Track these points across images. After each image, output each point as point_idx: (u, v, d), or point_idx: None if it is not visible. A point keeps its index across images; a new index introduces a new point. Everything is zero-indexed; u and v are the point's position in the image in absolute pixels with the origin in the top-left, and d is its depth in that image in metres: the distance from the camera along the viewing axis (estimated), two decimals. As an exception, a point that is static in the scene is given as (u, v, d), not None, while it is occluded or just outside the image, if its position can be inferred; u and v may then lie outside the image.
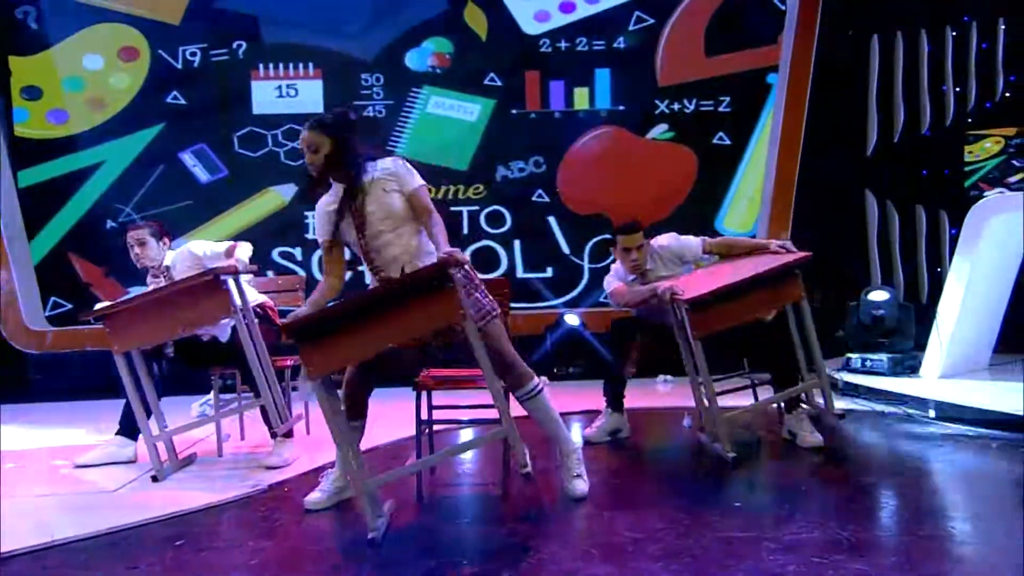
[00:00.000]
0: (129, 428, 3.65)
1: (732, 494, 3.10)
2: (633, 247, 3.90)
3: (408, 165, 2.93)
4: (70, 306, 6.26)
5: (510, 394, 3.00)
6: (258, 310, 3.80)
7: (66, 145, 6.29)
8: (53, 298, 6.28)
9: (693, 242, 4.02)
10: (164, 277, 3.82)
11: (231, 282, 3.33)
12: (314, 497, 2.98)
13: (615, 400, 4.09)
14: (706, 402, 3.49)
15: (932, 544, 2.50)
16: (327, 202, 2.96)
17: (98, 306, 3.52)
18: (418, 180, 2.90)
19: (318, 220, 2.99)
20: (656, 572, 2.30)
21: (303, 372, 2.62)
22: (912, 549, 2.46)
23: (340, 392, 2.93)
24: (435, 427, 3.36)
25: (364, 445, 3.84)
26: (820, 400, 3.78)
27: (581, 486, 3.02)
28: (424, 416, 3.24)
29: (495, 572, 2.30)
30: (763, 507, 2.91)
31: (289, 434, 3.70)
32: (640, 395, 5.36)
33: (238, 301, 3.34)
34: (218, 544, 2.59)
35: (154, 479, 3.30)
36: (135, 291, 6.23)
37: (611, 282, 4.06)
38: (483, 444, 3.13)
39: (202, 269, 3.63)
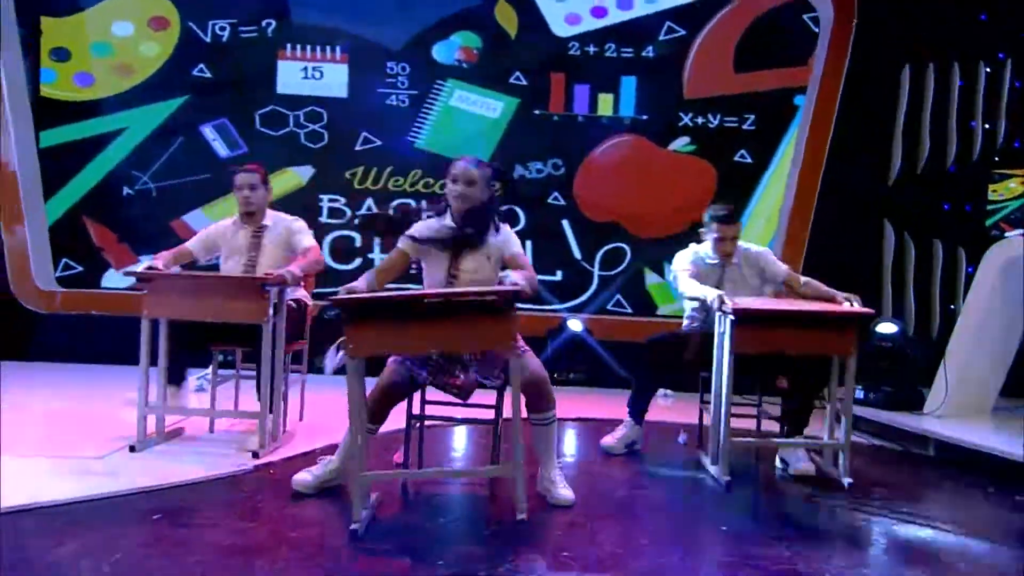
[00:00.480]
0: (176, 376, 3.62)
1: (721, 517, 3.04)
2: (728, 237, 3.87)
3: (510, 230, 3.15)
4: (80, 269, 6.27)
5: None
6: (292, 304, 3.79)
7: (90, 109, 6.29)
8: (65, 259, 6.28)
9: (779, 266, 3.99)
10: (252, 233, 3.88)
11: (274, 291, 3.35)
12: (303, 478, 2.96)
13: (639, 413, 4.03)
14: (720, 425, 3.42)
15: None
16: (435, 228, 3.06)
17: (140, 267, 3.50)
18: (517, 247, 3.09)
19: (417, 230, 3.08)
20: (633, 591, 2.26)
21: (340, 347, 2.58)
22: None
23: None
24: (427, 423, 3.31)
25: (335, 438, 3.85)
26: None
27: (568, 493, 2.99)
28: (417, 411, 3.20)
29: (470, 575, 2.26)
30: (750, 533, 2.85)
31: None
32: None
33: (271, 312, 3.36)
34: (196, 521, 2.56)
35: (131, 449, 3.27)
36: (145, 259, 6.23)
37: (682, 263, 3.98)
38: (490, 475, 3.06)
39: (286, 246, 3.81)
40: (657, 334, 4.11)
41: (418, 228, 3.10)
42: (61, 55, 6.32)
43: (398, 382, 2.87)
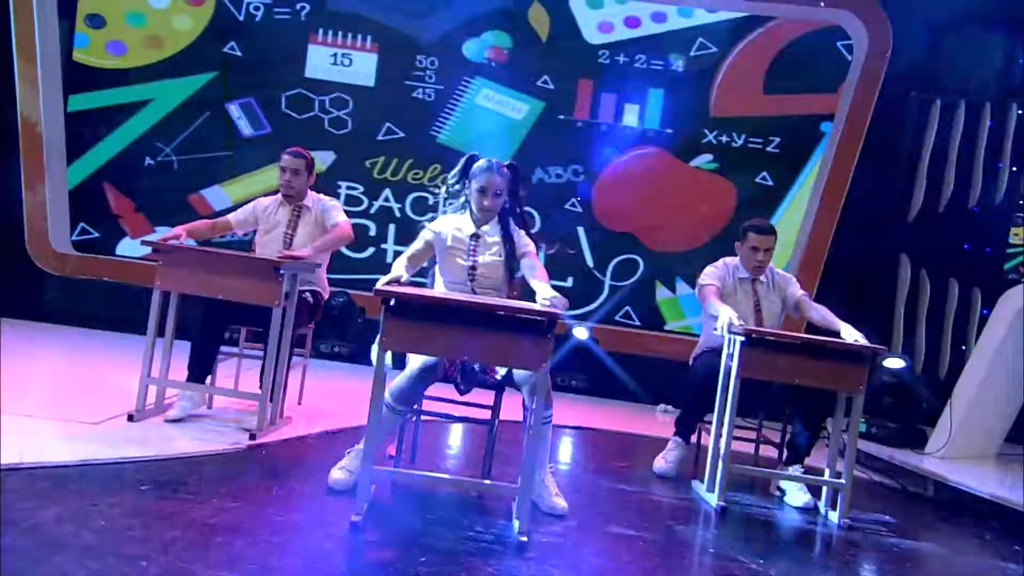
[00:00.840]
0: (198, 372, 3.58)
1: (709, 541, 3.00)
2: (762, 248, 3.81)
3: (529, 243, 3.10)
4: (97, 235, 6.30)
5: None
6: (307, 296, 3.78)
7: (120, 77, 6.33)
8: (82, 224, 6.31)
9: (797, 290, 3.94)
10: (292, 210, 3.88)
11: (288, 276, 3.33)
12: (340, 477, 2.85)
13: (687, 433, 3.95)
14: (721, 451, 3.36)
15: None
16: (455, 223, 3.07)
17: (161, 237, 3.48)
18: (530, 244, 3.08)
19: (439, 224, 3.09)
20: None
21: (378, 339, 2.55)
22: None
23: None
24: (423, 417, 3.28)
25: (351, 422, 3.84)
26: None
27: (561, 502, 2.95)
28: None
29: (450, 575, 2.23)
30: (737, 560, 2.80)
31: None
32: (637, 422, 5.28)
33: (283, 297, 3.33)
34: (181, 495, 2.54)
35: (130, 418, 3.26)
36: (162, 230, 6.25)
37: (709, 279, 3.87)
38: (496, 490, 2.98)
39: (321, 224, 3.84)
40: (700, 353, 3.95)
41: (442, 224, 3.07)
42: (96, 21, 6.35)
43: (433, 365, 2.83)
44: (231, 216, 3.97)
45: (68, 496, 2.39)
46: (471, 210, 3.07)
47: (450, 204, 3.18)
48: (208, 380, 3.63)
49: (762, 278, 3.89)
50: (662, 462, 3.89)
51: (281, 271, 3.25)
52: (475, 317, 2.56)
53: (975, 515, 3.84)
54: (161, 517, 2.33)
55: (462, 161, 3.12)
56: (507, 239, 3.05)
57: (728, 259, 3.97)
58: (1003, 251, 5.16)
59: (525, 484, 2.58)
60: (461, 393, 3.01)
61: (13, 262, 6.01)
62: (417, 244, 3.06)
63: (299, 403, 4.11)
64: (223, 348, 3.77)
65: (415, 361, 2.82)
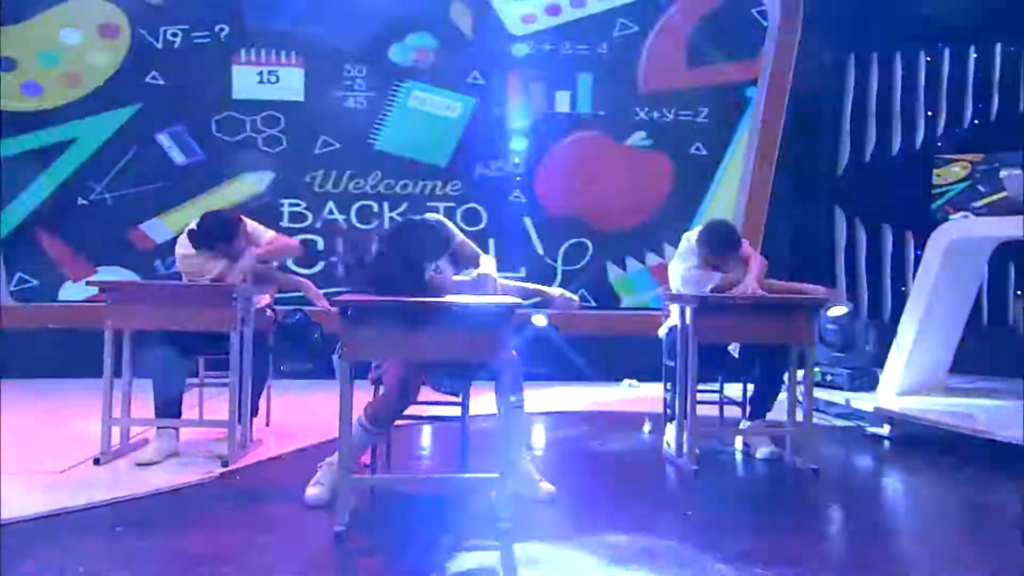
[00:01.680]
0: (168, 411, 3.49)
1: (686, 503, 3.07)
2: (728, 269, 3.71)
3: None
4: (36, 282, 6.11)
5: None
6: (267, 311, 3.72)
7: (39, 119, 6.13)
8: (18, 273, 6.12)
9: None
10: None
11: (240, 300, 3.25)
12: (315, 493, 2.83)
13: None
14: (688, 414, 3.44)
15: (875, 559, 2.48)
16: None
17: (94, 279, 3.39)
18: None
19: None
20: (598, 577, 2.27)
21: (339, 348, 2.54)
22: (855, 562, 2.44)
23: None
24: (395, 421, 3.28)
25: (321, 438, 3.82)
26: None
27: (548, 487, 2.98)
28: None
29: (439, 571, 2.25)
30: (715, 518, 2.88)
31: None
32: (604, 400, 5.35)
33: (240, 322, 3.27)
34: (160, 531, 2.51)
35: (96, 462, 3.20)
36: (104, 270, 6.12)
37: (685, 265, 3.77)
38: (475, 484, 2.98)
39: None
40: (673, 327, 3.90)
41: None
42: (7, 65, 6.15)
43: (407, 391, 2.81)
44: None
45: (44, 547, 2.34)
46: None
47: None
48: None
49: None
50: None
51: (235, 295, 3.21)
52: (432, 316, 2.57)
53: (932, 446, 3.99)
54: (140, 555, 2.30)
55: None
56: None
57: (689, 234, 3.89)
58: (929, 193, 5.34)
59: (504, 472, 2.60)
60: (454, 394, 3.01)
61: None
62: None
63: (267, 424, 4.07)
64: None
65: (392, 387, 2.82)
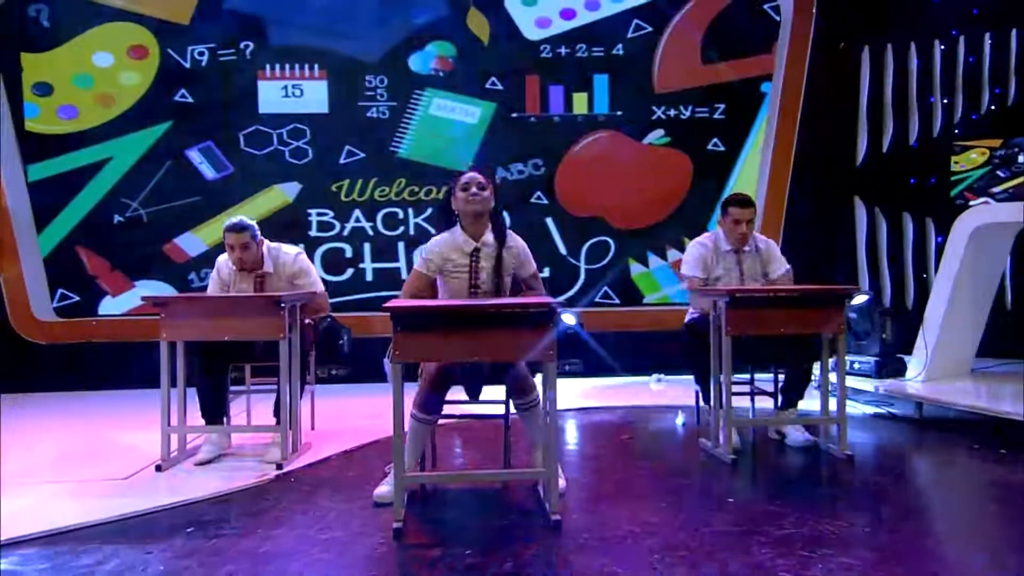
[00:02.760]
0: (213, 415, 3.65)
1: (726, 491, 3.14)
2: (744, 220, 3.85)
3: (528, 252, 3.18)
4: (77, 298, 6.27)
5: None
6: (308, 322, 3.84)
7: (75, 140, 6.29)
8: (61, 290, 6.28)
9: (780, 263, 3.98)
10: (255, 281, 3.79)
11: (288, 309, 3.36)
12: (383, 490, 2.93)
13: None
14: (723, 406, 3.51)
15: (913, 540, 2.54)
16: (450, 249, 3.07)
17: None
18: (533, 266, 3.18)
19: (431, 254, 3.09)
20: (652, 564, 2.34)
21: (389, 351, 2.63)
22: (894, 545, 2.50)
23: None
24: (440, 420, 3.37)
25: (367, 439, 3.92)
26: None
27: (560, 483, 3.05)
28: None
29: (498, 563, 2.34)
30: (755, 504, 2.95)
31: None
32: (634, 395, 5.42)
33: (288, 329, 3.37)
34: (226, 531, 2.61)
35: (158, 468, 3.31)
36: (142, 284, 6.26)
37: (691, 269, 3.93)
38: (522, 479, 3.12)
39: (289, 287, 3.74)
40: (697, 317, 3.97)
41: (434, 246, 3.11)
42: (44, 89, 6.31)
43: (445, 371, 2.91)
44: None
45: (120, 549, 2.45)
46: (462, 226, 3.09)
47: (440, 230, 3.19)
48: (224, 421, 3.69)
49: (746, 248, 3.94)
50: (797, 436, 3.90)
51: (283, 304, 3.31)
52: (478, 319, 2.65)
53: (961, 429, 4.04)
54: (212, 554, 2.40)
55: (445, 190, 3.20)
56: (499, 239, 3.08)
57: (707, 234, 4.05)
58: (947, 180, 5.34)
59: (548, 467, 2.69)
60: (474, 399, 3.11)
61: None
62: (415, 283, 3.10)
63: (312, 428, 4.18)
64: (232, 387, 3.83)
65: (429, 370, 2.92)
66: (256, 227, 3.79)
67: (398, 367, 2.60)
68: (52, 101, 6.31)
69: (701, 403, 3.96)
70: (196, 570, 2.27)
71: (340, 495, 3.03)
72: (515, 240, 3.14)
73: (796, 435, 3.79)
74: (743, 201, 3.92)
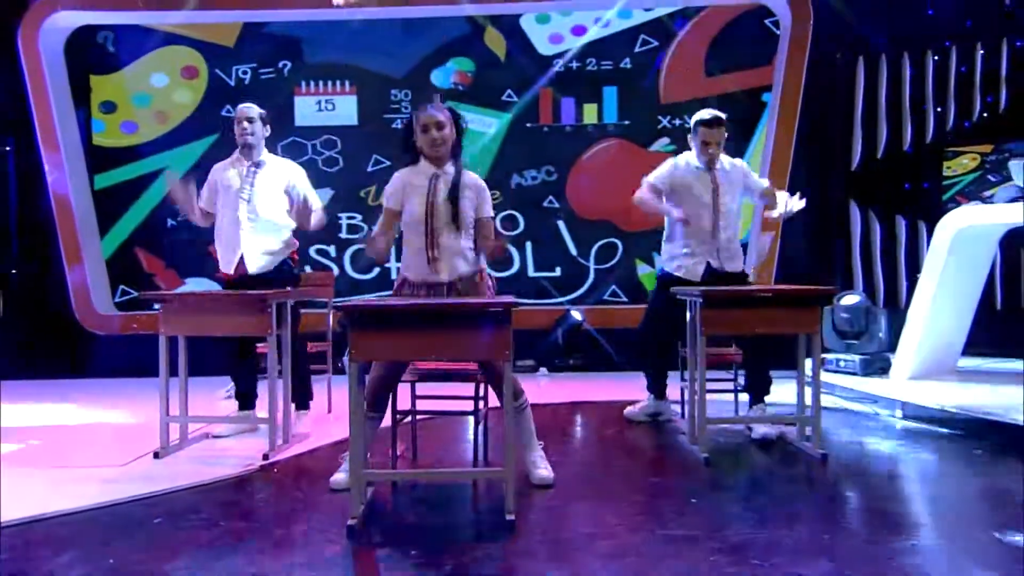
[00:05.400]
0: (244, 399, 3.61)
1: (693, 492, 2.82)
2: (713, 142, 3.56)
3: (487, 195, 2.85)
4: (135, 294, 6.22)
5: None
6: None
7: (135, 153, 6.25)
8: (121, 287, 6.25)
9: (757, 181, 3.72)
10: (248, 168, 3.61)
11: (274, 307, 3.14)
12: (338, 477, 2.72)
13: (657, 391, 3.86)
14: (697, 406, 3.21)
15: (870, 548, 2.20)
16: (410, 176, 2.78)
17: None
18: (490, 211, 2.85)
19: (394, 187, 2.80)
20: (597, 570, 2.06)
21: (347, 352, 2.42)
22: (853, 555, 2.16)
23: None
24: (418, 416, 3.14)
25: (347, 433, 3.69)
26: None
27: (547, 473, 2.80)
28: (408, 406, 3.03)
29: (440, 564, 2.08)
30: (718, 506, 2.63)
31: (306, 407, 3.68)
32: (629, 390, 5.09)
33: (275, 327, 3.17)
34: (194, 523, 2.41)
35: (155, 455, 3.14)
36: (191, 281, 6.19)
37: (653, 178, 3.73)
38: (483, 476, 2.85)
39: (282, 189, 3.58)
40: (645, 318, 3.84)
41: (395, 179, 2.81)
42: (108, 107, 6.28)
43: (383, 368, 2.68)
44: (202, 203, 3.70)
45: (83, 539, 2.27)
46: (424, 158, 2.77)
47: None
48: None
49: (717, 165, 3.63)
50: (631, 408, 3.91)
51: (268, 303, 3.11)
52: (435, 318, 2.40)
53: (940, 429, 3.63)
54: (174, 544, 2.20)
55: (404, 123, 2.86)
56: (456, 174, 2.75)
57: (674, 158, 3.76)
58: (940, 184, 4.90)
59: (508, 467, 2.42)
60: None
61: (66, 328, 5.96)
62: (384, 220, 2.81)
63: (329, 412, 4.00)
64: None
65: (376, 370, 2.67)
66: (265, 113, 3.71)
67: (355, 366, 2.37)
68: (115, 117, 6.28)
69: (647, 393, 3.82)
70: (150, 563, 2.07)
71: (315, 487, 2.80)
72: (473, 177, 2.82)
73: (761, 428, 3.45)
74: (711, 121, 3.57)
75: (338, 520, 2.38)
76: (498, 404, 2.91)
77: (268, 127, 3.71)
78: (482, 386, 2.91)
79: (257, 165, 3.63)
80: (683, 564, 2.09)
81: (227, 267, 3.64)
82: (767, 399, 3.61)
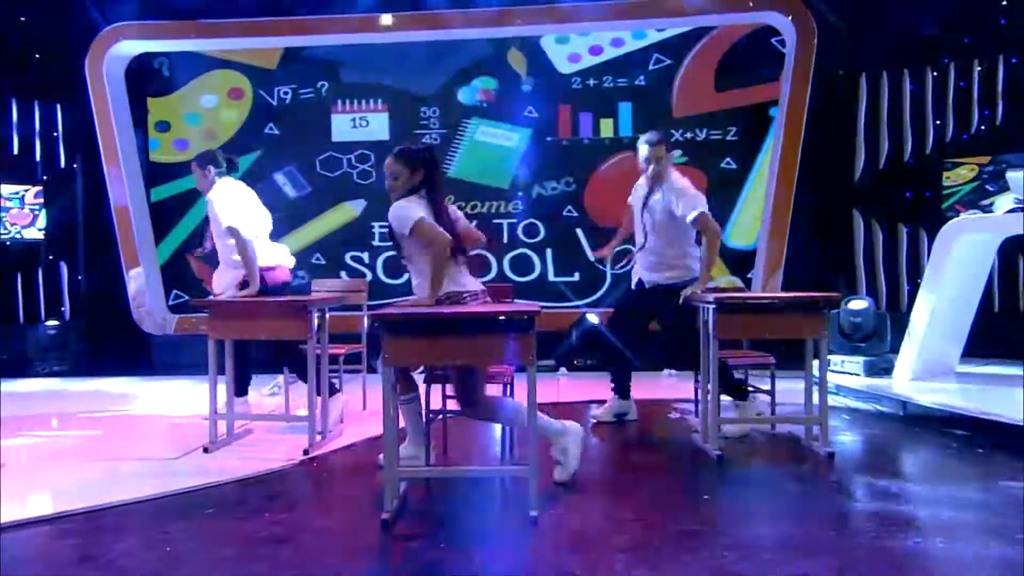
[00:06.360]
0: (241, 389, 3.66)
1: (706, 488, 2.79)
2: (652, 158, 3.54)
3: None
4: (186, 298, 6.31)
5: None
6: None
7: (186, 168, 6.28)
8: (175, 291, 6.35)
9: (691, 209, 3.47)
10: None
11: (315, 313, 3.17)
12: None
13: (619, 389, 3.85)
14: (710, 406, 3.17)
15: (882, 548, 2.16)
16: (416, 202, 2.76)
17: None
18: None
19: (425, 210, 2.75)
20: (613, 564, 2.05)
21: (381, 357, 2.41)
22: (860, 552, 2.13)
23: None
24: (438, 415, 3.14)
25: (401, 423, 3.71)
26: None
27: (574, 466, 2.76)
28: (438, 405, 3.05)
29: (468, 559, 2.09)
30: (730, 502, 2.61)
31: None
32: (645, 389, 5.05)
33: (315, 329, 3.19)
34: (243, 514, 2.45)
35: (205, 450, 3.19)
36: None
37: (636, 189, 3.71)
38: (506, 475, 2.84)
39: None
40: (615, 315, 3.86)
41: (419, 208, 2.76)
42: (163, 127, 6.39)
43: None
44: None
45: (142, 529, 2.31)
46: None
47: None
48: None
49: (662, 185, 3.56)
50: (597, 409, 3.89)
51: (309, 308, 3.14)
52: (463, 325, 2.40)
53: (941, 427, 3.56)
54: (225, 534, 2.24)
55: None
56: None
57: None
58: (940, 194, 4.81)
59: (533, 466, 2.40)
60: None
61: (125, 329, 6.08)
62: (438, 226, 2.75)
63: (363, 408, 4.04)
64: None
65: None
66: (205, 156, 3.84)
67: (389, 370, 2.38)
68: (169, 136, 6.39)
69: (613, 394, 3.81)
70: (204, 552, 2.11)
71: (352, 481, 2.83)
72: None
73: (731, 427, 3.44)
74: (650, 140, 3.56)
75: (375, 513, 2.40)
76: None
77: (210, 169, 3.81)
78: (508, 387, 2.92)
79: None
80: (697, 559, 2.07)
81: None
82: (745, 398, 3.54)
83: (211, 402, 3.21)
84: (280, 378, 4.21)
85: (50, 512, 2.42)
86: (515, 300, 3.47)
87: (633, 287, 3.75)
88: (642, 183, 3.69)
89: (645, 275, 3.68)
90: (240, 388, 3.65)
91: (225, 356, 3.29)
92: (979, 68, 5.46)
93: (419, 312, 2.49)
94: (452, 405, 3.08)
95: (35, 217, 6.06)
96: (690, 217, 3.50)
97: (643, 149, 3.60)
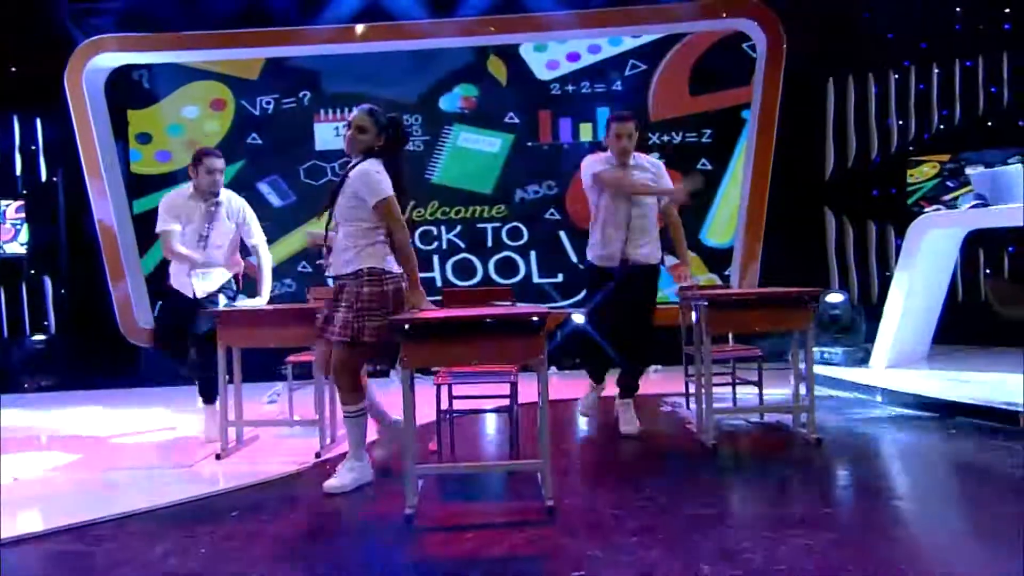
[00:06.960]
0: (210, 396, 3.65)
1: (705, 474, 2.94)
2: (625, 135, 3.52)
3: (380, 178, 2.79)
4: (173, 308, 6.28)
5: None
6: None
7: (169, 179, 6.30)
8: (160, 302, 6.30)
9: (669, 184, 3.61)
10: (207, 206, 3.72)
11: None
12: (332, 483, 2.73)
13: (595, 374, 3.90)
14: (703, 398, 3.33)
15: (872, 518, 2.34)
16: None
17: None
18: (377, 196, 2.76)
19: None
20: (631, 547, 2.18)
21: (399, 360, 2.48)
22: (854, 524, 2.31)
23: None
24: (455, 414, 3.25)
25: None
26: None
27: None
28: (445, 406, 3.14)
29: (493, 547, 2.20)
30: (729, 487, 2.76)
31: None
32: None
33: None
34: (266, 515, 2.52)
35: (217, 457, 3.24)
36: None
37: (594, 166, 3.57)
38: (519, 469, 2.90)
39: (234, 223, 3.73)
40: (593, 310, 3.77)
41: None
42: (144, 138, 6.36)
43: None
44: (171, 227, 3.74)
45: (171, 532, 2.36)
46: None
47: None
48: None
49: (630, 161, 3.59)
50: (581, 403, 3.91)
51: (317, 315, 3.19)
52: (479, 327, 2.50)
53: (916, 411, 3.78)
54: (252, 535, 2.30)
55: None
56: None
57: (592, 156, 3.72)
58: (904, 190, 5.06)
59: (545, 459, 2.51)
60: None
61: (110, 341, 6.03)
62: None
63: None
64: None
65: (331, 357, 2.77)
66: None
67: (407, 373, 2.48)
68: (151, 148, 6.35)
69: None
70: (234, 553, 2.18)
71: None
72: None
73: (627, 425, 3.58)
74: (621, 117, 3.59)
75: (394, 509, 2.49)
76: (528, 401, 3.04)
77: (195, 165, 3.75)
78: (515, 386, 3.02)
79: (217, 204, 3.80)
80: (704, 538, 2.21)
81: None
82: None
83: (222, 409, 3.27)
84: (279, 385, 4.26)
85: (78, 521, 2.45)
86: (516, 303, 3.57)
87: (614, 270, 3.59)
88: (607, 159, 3.59)
89: (632, 253, 3.58)
90: (208, 395, 3.64)
91: (234, 363, 3.34)
92: (937, 71, 5.77)
93: (438, 316, 2.59)
94: (456, 405, 3.20)
95: (17, 232, 5.99)
96: (664, 201, 3.64)
97: (623, 126, 3.52)
